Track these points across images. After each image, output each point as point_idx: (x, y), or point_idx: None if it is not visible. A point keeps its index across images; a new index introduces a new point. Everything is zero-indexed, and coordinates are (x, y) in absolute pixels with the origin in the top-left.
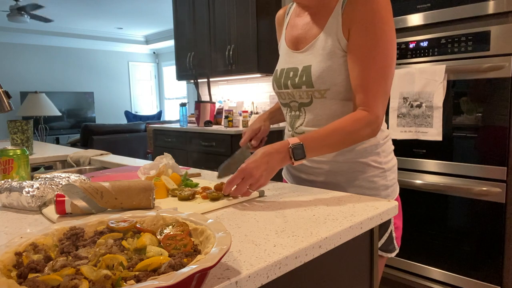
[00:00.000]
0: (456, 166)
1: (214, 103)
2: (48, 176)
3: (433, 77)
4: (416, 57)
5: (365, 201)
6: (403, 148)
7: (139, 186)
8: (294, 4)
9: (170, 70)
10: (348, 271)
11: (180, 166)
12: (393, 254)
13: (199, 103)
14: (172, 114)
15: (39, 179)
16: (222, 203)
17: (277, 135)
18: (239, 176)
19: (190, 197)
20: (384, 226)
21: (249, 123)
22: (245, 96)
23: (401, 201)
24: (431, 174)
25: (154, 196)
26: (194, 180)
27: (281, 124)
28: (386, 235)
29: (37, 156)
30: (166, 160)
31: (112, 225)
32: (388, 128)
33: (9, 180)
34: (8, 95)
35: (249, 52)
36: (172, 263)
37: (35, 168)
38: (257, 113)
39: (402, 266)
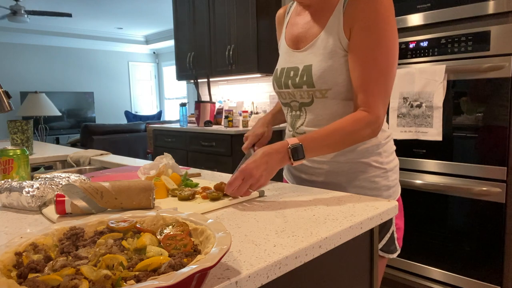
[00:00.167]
0: (456, 166)
1: (214, 103)
2: (48, 176)
3: (433, 77)
4: (416, 57)
5: (365, 201)
6: (403, 148)
7: (139, 186)
8: (295, 3)
9: (170, 70)
10: (348, 271)
11: (180, 166)
12: (395, 255)
13: (199, 103)
14: (172, 114)
15: (39, 179)
16: (222, 203)
17: (277, 136)
18: (240, 176)
19: (190, 197)
20: (386, 226)
21: (249, 123)
22: (245, 96)
23: (402, 201)
24: (431, 174)
25: (154, 196)
26: (194, 180)
27: (282, 125)
28: (388, 235)
29: (37, 156)
30: (166, 160)
31: (112, 225)
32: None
33: (9, 180)
34: (8, 95)
35: (249, 52)
36: (172, 263)
37: (35, 168)
38: (257, 113)
39: (402, 266)
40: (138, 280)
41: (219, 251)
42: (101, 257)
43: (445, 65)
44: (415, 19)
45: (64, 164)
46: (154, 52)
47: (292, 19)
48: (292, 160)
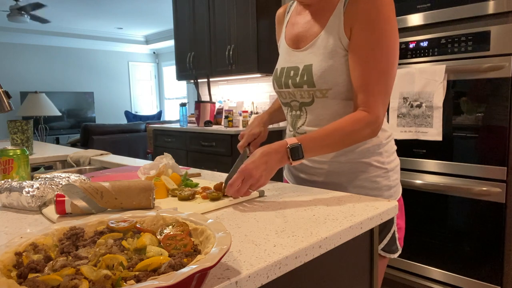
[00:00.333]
0: (456, 166)
1: (214, 103)
2: (48, 176)
3: (433, 77)
4: (416, 57)
5: (365, 201)
6: (403, 148)
7: (139, 186)
8: (295, 2)
9: (170, 70)
10: (348, 271)
11: (180, 166)
12: (396, 255)
13: (199, 103)
14: (172, 114)
15: (39, 179)
16: (222, 203)
17: (277, 136)
18: (240, 177)
19: (190, 197)
20: (387, 226)
21: (249, 123)
22: (245, 96)
23: (403, 201)
24: (431, 174)
25: (154, 196)
26: (194, 180)
27: (281, 124)
28: (389, 235)
29: (37, 156)
30: (166, 160)
31: (112, 225)
32: None
33: (9, 180)
34: (8, 95)
35: (249, 52)
36: (172, 263)
37: (35, 168)
38: (257, 113)
39: (402, 266)
40: (138, 280)
41: (219, 251)
42: (101, 257)
43: (445, 65)
44: (415, 19)
45: (64, 164)
46: (154, 52)
47: (292, 19)
48: (291, 160)
